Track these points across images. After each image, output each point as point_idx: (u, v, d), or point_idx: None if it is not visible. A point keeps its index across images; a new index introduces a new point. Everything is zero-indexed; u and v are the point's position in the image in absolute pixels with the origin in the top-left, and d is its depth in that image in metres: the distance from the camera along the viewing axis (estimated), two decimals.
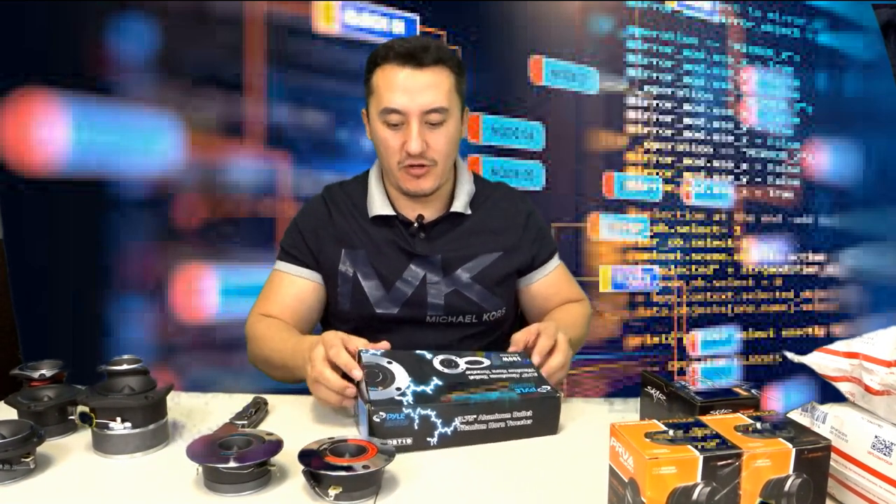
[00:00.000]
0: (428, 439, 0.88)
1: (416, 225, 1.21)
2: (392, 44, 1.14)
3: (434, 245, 1.22)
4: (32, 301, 1.80)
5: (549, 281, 1.32)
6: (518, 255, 1.27)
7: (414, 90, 1.11)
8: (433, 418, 0.87)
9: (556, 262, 1.34)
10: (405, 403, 0.87)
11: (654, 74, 2.32)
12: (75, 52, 1.77)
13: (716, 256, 2.42)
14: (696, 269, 2.39)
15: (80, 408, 0.91)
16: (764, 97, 2.47)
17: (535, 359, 1.04)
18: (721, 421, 0.68)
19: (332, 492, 0.73)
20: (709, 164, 2.41)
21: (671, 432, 0.65)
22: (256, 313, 1.25)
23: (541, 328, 1.07)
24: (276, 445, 0.79)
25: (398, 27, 2.02)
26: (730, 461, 0.61)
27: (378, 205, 1.22)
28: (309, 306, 1.25)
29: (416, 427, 0.87)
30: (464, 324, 1.23)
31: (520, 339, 1.07)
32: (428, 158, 1.15)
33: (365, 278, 1.21)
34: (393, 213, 1.21)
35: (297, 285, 1.24)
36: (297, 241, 1.26)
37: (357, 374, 0.93)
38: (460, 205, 1.23)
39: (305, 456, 0.76)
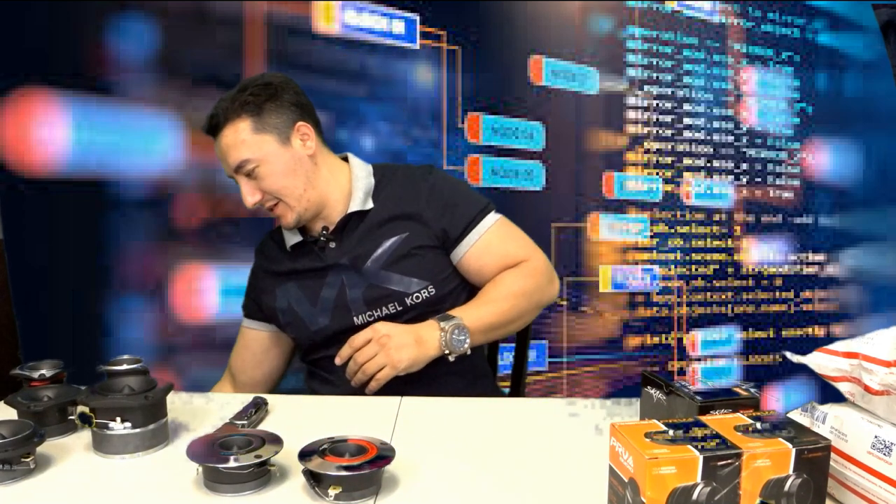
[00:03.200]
0: None
1: (322, 238, 1.26)
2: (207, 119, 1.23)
3: (344, 248, 1.25)
4: (32, 301, 1.80)
5: (476, 252, 1.25)
6: (424, 231, 1.24)
7: (222, 157, 1.22)
8: None
9: (482, 229, 1.25)
10: None
11: (654, 74, 2.33)
12: (75, 52, 1.77)
13: (716, 256, 2.42)
14: (696, 269, 2.39)
15: (80, 408, 0.90)
16: (764, 97, 2.47)
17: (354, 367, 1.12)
18: (721, 421, 0.68)
19: (332, 492, 0.73)
20: (709, 164, 2.41)
21: (671, 432, 0.65)
22: (226, 371, 1.40)
23: (351, 340, 1.13)
24: (276, 445, 0.79)
25: (398, 27, 2.02)
26: (730, 461, 0.61)
27: (288, 236, 1.30)
28: (258, 358, 1.36)
29: None
30: (391, 314, 1.22)
31: (344, 354, 1.14)
32: (269, 201, 1.22)
33: (297, 304, 1.27)
34: (300, 238, 1.28)
35: (248, 337, 1.37)
36: (246, 296, 1.39)
37: None
38: (357, 203, 1.25)
39: (305, 456, 0.76)
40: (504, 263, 1.25)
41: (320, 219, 1.27)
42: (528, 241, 1.29)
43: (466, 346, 1.15)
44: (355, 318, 1.23)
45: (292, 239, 1.29)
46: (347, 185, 1.28)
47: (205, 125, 1.23)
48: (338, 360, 1.14)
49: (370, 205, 1.26)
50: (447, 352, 1.14)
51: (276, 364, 1.38)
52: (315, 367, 1.31)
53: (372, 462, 0.75)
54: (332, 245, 1.26)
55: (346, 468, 0.74)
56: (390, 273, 1.22)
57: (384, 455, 0.77)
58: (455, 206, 1.25)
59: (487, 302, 1.21)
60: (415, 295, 1.22)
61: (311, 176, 1.24)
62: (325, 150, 1.29)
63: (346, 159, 1.33)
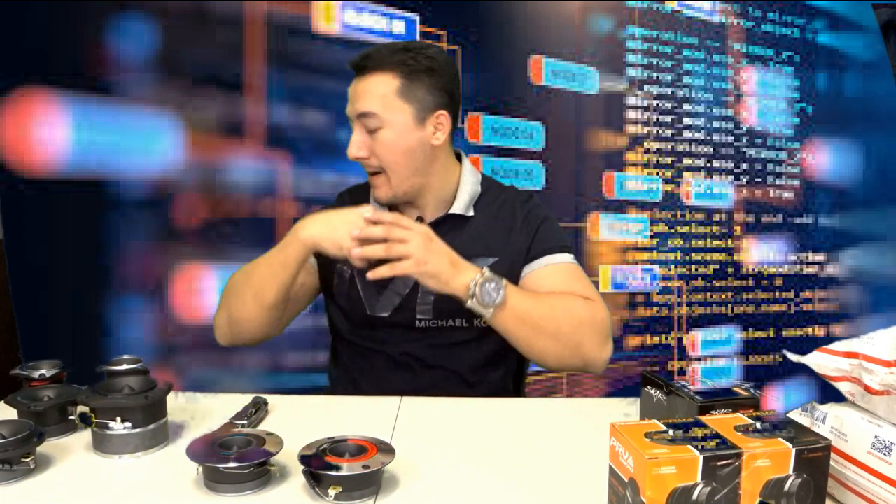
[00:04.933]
0: None
1: None
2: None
3: None
4: (32, 301, 1.80)
5: (543, 273, 1.19)
6: (511, 253, 1.20)
7: (354, 97, 1.14)
8: None
9: (559, 259, 1.21)
10: None
11: (654, 74, 2.33)
12: (75, 52, 1.77)
13: (716, 256, 2.42)
14: (696, 269, 2.39)
15: (80, 408, 0.91)
16: (764, 97, 2.47)
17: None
18: (721, 421, 0.68)
19: (332, 492, 0.73)
20: (709, 164, 2.41)
21: (671, 432, 0.65)
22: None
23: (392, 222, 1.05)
24: (276, 445, 0.79)
25: (398, 27, 2.02)
26: (730, 461, 0.61)
27: (377, 208, 1.22)
28: (298, 281, 1.22)
29: None
30: (455, 328, 1.19)
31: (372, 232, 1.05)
32: (373, 165, 1.15)
33: (361, 280, 1.21)
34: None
35: None
36: None
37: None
38: (460, 206, 1.21)
39: (305, 456, 0.76)
40: (565, 291, 1.19)
41: (414, 207, 1.22)
42: (596, 291, 1.23)
43: (495, 304, 1.05)
44: (417, 322, 1.19)
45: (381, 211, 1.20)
46: (455, 185, 1.23)
47: (355, 60, 1.14)
48: (358, 234, 1.04)
49: (471, 212, 1.22)
50: (471, 295, 1.04)
51: (297, 298, 1.26)
52: (348, 353, 1.25)
53: (372, 462, 0.75)
54: None
55: (346, 468, 0.74)
56: None
57: (384, 455, 0.77)
58: (545, 233, 1.22)
59: (537, 297, 1.12)
60: (482, 319, 1.17)
61: (425, 164, 1.18)
62: (448, 145, 1.23)
63: (459, 157, 1.28)
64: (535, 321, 1.08)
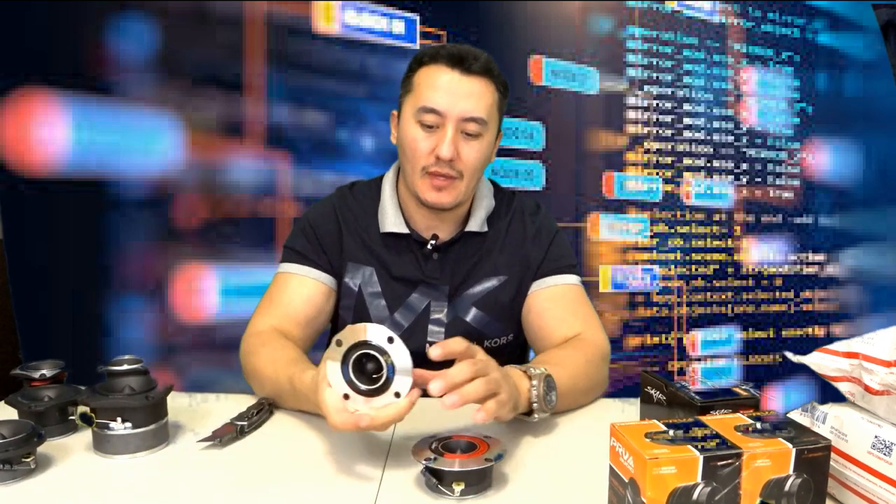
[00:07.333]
0: None
1: (429, 247, 1.16)
2: (441, 46, 1.11)
3: (445, 268, 1.17)
4: (32, 301, 1.80)
5: (552, 293, 1.17)
6: (522, 270, 1.19)
7: (458, 94, 1.06)
8: None
9: (566, 280, 1.19)
10: None
11: (654, 74, 2.33)
12: (75, 52, 1.77)
13: (716, 256, 2.42)
14: (696, 269, 2.39)
15: (81, 408, 0.90)
16: (764, 97, 2.47)
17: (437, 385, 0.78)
18: (721, 421, 0.68)
19: (457, 488, 0.74)
20: (709, 164, 2.41)
21: (671, 432, 0.65)
22: (254, 326, 1.12)
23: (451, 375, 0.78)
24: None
25: (398, 27, 2.02)
26: (730, 461, 0.61)
27: (391, 221, 1.16)
28: (319, 310, 1.16)
29: None
30: None
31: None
32: (455, 169, 1.08)
33: (370, 297, 1.18)
34: (406, 230, 1.16)
35: (308, 287, 1.15)
36: (310, 240, 1.18)
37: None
38: (476, 224, 1.18)
39: (420, 454, 0.77)
40: (570, 319, 1.15)
41: (433, 224, 1.17)
42: (596, 314, 1.20)
43: (555, 402, 0.95)
44: (428, 345, 1.15)
45: (395, 226, 1.16)
46: (469, 200, 1.19)
47: (451, 53, 1.07)
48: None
49: (486, 228, 1.19)
50: (535, 409, 0.92)
51: (321, 329, 1.19)
52: None
53: (489, 455, 0.76)
54: (435, 257, 1.17)
55: (470, 463, 0.75)
56: (479, 311, 1.17)
57: (495, 447, 0.78)
58: (555, 249, 1.21)
59: (570, 365, 1.02)
60: (493, 339, 1.19)
61: (480, 177, 1.17)
62: None
63: None
64: (578, 390, 1.03)
